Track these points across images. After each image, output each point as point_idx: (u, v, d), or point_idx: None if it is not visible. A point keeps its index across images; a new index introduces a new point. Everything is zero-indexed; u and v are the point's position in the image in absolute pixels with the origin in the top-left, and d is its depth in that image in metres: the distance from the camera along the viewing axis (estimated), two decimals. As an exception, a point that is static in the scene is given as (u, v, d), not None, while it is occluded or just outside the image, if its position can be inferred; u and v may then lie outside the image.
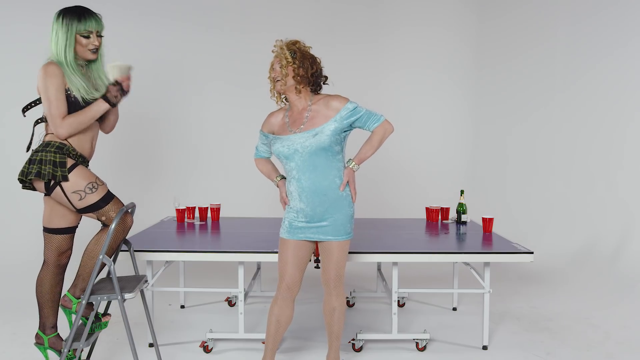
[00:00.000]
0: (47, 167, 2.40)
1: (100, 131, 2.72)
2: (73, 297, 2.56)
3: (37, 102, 2.58)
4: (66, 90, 2.45)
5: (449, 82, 6.01)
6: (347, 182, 2.54)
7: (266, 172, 2.76)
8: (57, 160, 2.42)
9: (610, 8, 4.69)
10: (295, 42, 2.53)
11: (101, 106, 2.49)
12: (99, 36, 2.55)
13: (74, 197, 2.45)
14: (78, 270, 2.55)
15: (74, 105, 2.47)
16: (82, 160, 2.53)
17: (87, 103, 2.49)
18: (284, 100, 2.63)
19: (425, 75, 5.98)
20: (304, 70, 2.51)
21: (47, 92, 2.41)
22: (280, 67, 2.50)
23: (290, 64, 2.48)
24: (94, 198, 2.47)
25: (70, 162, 2.47)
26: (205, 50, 5.60)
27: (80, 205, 2.47)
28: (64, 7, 2.50)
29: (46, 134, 2.53)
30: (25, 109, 2.59)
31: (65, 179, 2.42)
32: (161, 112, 5.59)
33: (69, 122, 2.44)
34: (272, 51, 2.54)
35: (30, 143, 2.59)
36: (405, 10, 5.91)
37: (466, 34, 5.98)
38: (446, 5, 5.95)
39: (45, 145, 2.46)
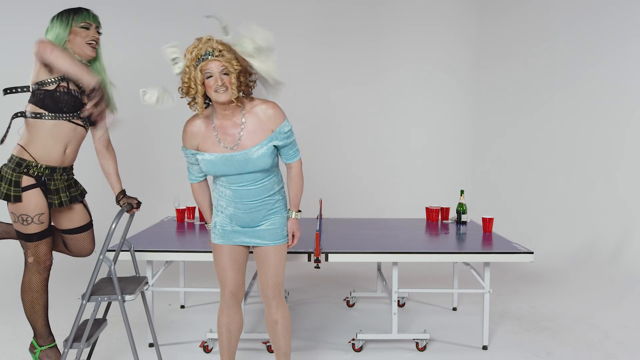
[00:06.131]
0: (4, 185, 2.41)
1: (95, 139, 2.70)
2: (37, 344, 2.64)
3: (23, 89, 2.45)
4: (57, 81, 2.39)
5: (449, 82, 6.01)
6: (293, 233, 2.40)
7: (201, 207, 2.47)
8: (13, 178, 2.41)
9: (610, 8, 4.68)
10: (222, 42, 2.16)
11: (83, 80, 2.29)
12: (98, 32, 2.54)
13: (18, 219, 2.44)
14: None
15: (57, 100, 2.39)
16: (50, 172, 2.47)
17: (72, 95, 2.42)
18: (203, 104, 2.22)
19: (426, 75, 5.98)
20: (244, 77, 2.19)
21: (57, 58, 2.29)
22: (226, 75, 2.12)
23: (238, 70, 2.13)
24: (35, 228, 2.45)
25: (26, 181, 2.42)
26: (205, 50, 5.60)
27: (18, 228, 2.47)
28: (58, 11, 2.50)
29: (17, 144, 2.47)
30: (8, 91, 2.45)
31: (18, 199, 2.40)
32: (161, 112, 5.57)
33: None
34: (200, 53, 2.10)
35: (5, 136, 2.47)
36: (406, 10, 5.91)
37: (466, 34, 5.98)
38: (446, 5, 5.95)
39: (9, 159, 2.47)
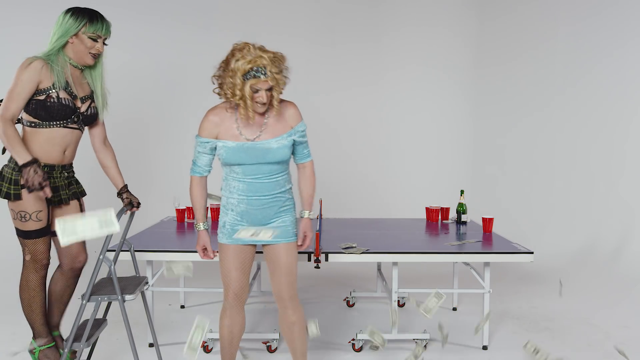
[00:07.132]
0: (5, 184, 2.40)
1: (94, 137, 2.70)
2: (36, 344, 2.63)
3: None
4: (46, 91, 2.37)
5: (449, 82, 6.01)
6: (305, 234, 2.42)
7: (195, 204, 2.42)
8: (13, 177, 2.40)
9: (610, 8, 4.69)
10: (280, 56, 2.18)
11: (18, 158, 2.29)
12: (104, 44, 2.52)
13: (17, 215, 2.44)
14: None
15: (49, 110, 2.37)
16: (49, 170, 2.46)
17: (63, 104, 2.39)
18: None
19: (426, 75, 5.98)
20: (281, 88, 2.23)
21: (13, 83, 2.32)
22: (271, 91, 2.16)
23: (283, 87, 2.20)
24: (33, 226, 2.45)
25: None
26: (205, 51, 5.56)
27: (17, 225, 2.46)
28: (75, 6, 2.46)
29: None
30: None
31: (18, 197, 2.40)
32: (161, 112, 5.58)
33: (2, 130, 2.28)
34: (251, 67, 2.09)
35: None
36: (406, 10, 5.91)
37: (466, 34, 5.98)
38: (446, 5, 5.95)
39: (9, 159, 2.45)
